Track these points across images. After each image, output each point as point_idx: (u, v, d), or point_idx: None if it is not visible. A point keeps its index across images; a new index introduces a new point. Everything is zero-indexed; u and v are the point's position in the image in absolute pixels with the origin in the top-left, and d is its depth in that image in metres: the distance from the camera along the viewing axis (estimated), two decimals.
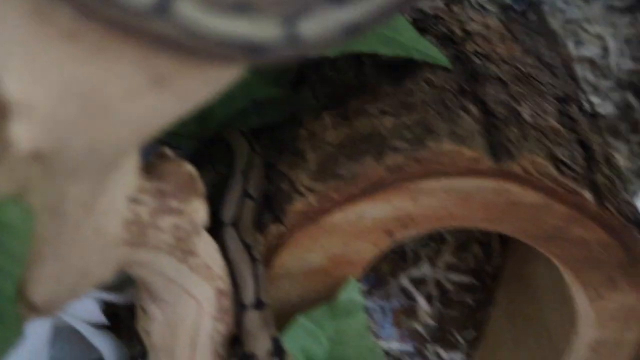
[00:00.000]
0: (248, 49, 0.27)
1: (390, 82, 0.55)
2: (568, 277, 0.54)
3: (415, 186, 0.50)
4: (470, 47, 0.59)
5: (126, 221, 0.41)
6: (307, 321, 0.53)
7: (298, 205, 0.51)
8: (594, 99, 0.83)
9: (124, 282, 0.52)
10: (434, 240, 0.73)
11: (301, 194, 0.51)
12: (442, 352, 0.69)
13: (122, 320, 0.66)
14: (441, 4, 0.61)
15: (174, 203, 0.43)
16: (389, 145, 0.50)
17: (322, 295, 0.55)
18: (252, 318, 0.48)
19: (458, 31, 0.60)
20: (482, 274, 0.72)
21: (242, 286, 0.49)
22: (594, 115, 0.61)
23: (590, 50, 0.87)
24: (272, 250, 0.52)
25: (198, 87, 0.32)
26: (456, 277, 0.72)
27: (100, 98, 0.32)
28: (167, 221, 0.43)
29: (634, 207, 0.55)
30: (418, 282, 0.72)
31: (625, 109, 0.83)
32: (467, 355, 0.69)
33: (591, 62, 0.87)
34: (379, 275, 0.72)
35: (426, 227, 0.52)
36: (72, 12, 0.29)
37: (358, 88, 0.56)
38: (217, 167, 0.57)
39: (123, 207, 0.41)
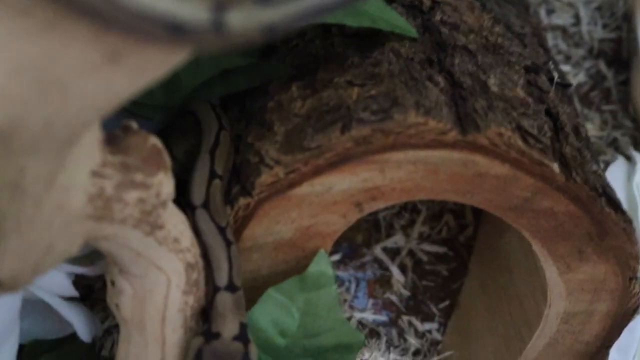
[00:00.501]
0: (170, 27, 0.27)
1: (357, 53, 0.55)
2: (537, 248, 0.54)
3: (382, 158, 0.50)
4: (438, 16, 0.58)
5: (90, 196, 0.41)
6: (277, 294, 0.53)
7: (266, 177, 0.51)
8: (566, 68, 0.83)
9: (95, 254, 0.52)
10: (408, 211, 0.73)
11: (269, 166, 0.51)
12: (417, 323, 0.69)
13: (95, 291, 0.67)
14: None
15: (139, 176, 0.44)
16: (355, 117, 0.50)
17: (292, 267, 0.55)
18: (224, 300, 0.48)
19: (426, 0, 0.59)
20: (455, 244, 0.73)
21: (216, 268, 0.49)
22: (564, 85, 0.61)
23: (562, 18, 0.87)
24: (241, 223, 0.52)
25: (153, 63, 0.32)
26: (430, 247, 0.72)
27: (54, 74, 0.32)
28: (132, 195, 0.43)
29: (602, 178, 0.56)
30: (392, 253, 0.72)
31: (597, 78, 0.83)
32: (441, 325, 0.69)
33: (563, 31, 0.87)
34: (352, 246, 0.72)
35: (394, 199, 0.52)
36: None
37: (326, 58, 0.56)
38: (187, 137, 0.57)
39: (86, 182, 0.41)
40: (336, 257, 0.71)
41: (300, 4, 0.28)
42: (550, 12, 0.87)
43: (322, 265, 0.54)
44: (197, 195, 0.51)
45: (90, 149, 0.40)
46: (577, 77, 0.83)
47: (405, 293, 0.71)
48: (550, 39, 0.84)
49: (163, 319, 0.49)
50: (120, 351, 0.50)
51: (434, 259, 0.72)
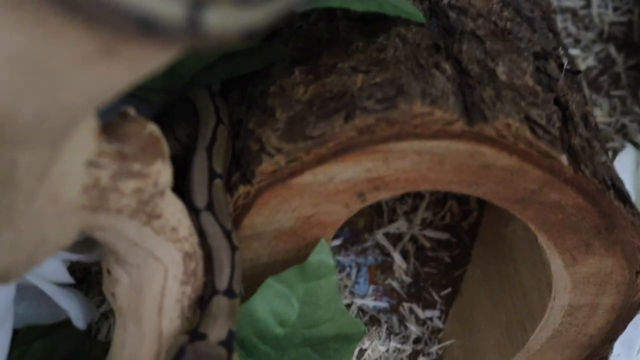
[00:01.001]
0: (143, 23, 0.26)
1: (362, 38, 0.54)
2: (543, 241, 0.53)
3: (386, 148, 0.49)
4: (446, 0, 0.57)
5: (85, 186, 0.40)
6: (277, 283, 0.52)
7: (266, 165, 0.49)
8: (575, 52, 0.81)
9: (91, 240, 0.51)
10: (411, 196, 0.72)
11: (270, 154, 0.50)
12: (418, 310, 0.68)
13: (92, 274, 0.66)
14: None
15: (136, 166, 0.42)
16: (359, 106, 0.49)
17: (292, 256, 0.54)
18: (220, 303, 0.47)
19: None
20: (458, 230, 0.72)
21: (217, 271, 0.48)
22: (573, 72, 0.59)
23: (572, 1, 0.85)
24: (241, 211, 0.51)
25: (148, 56, 0.31)
26: (433, 233, 0.71)
27: (47, 66, 0.31)
28: (129, 185, 0.42)
29: (611, 170, 0.54)
30: (394, 238, 0.71)
31: (607, 62, 0.82)
32: (443, 313, 0.68)
33: (573, 13, 0.85)
34: (354, 231, 0.71)
35: (398, 189, 0.51)
36: None
37: (330, 42, 0.55)
38: (188, 123, 0.56)
39: (81, 172, 0.40)
40: (337, 242, 0.70)
41: (278, 3, 0.27)
42: None
43: (323, 254, 0.53)
44: (200, 197, 0.49)
45: (85, 138, 0.39)
46: (586, 61, 0.81)
47: (407, 279, 0.70)
48: (560, 22, 0.82)
49: (160, 309, 0.48)
50: (116, 340, 0.50)
51: (437, 245, 0.71)
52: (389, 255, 0.70)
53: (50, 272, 0.50)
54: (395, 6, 0.52)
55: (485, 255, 0.68)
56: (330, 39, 0.55)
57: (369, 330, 0.66)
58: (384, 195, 0.52)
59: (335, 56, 0.53)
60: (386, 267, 0.70)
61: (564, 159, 0.49)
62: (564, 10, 0.84)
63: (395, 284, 0.69)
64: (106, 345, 0.58)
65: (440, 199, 0.72)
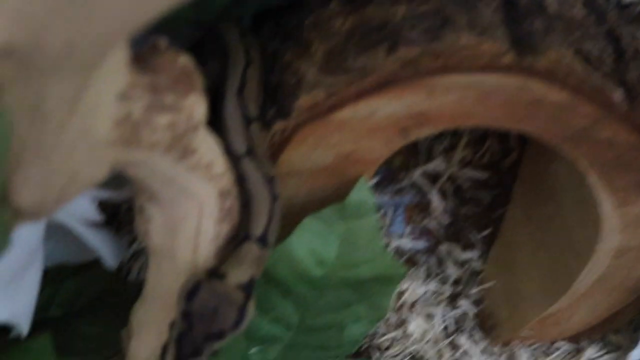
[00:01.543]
0: None
1: None
2: (593, 180, 0.51)
3: (431, 82, 0.46)
4: None
5: (117, 120, 0.38)
6: (316, 222, 0.50)
7: (305, 100, 0.47)
8: None
9: (122, 177, 0.49)
10: (449, 134, 0.70)
11: (308, 88, 0.47)
12: (456, 251, 0.66)
13: (121, 212, 0.64)
14: None
15: (169, 98, 0.40)
16: (403, 37, 0.46)
17: (330, 194, 0.52)
18: (250, 249, 0.45)
19: None
20: (498, 169, 0.69)
21: (254, 218, 0.46)
22: (623, 5, 0.56)
23: None
24: (277, 148, 0.49)
25: None
26: (472, 172, 0.69)
27: None
28: (162, 118, 0.40)
29: None
30: (431, 178, 0.69)
31: None
32: (482, 254, 0.66)
33: None
34: (390, 170, 0.69)
35: (442, 125, 0.49)
36: None
37: None
38: (218, 58, 0.53)
39: (112, 105, 0.38)
40: (373, 181, 0.68)
41: None
42: None
43: (363, 193, 0.51)
44: (238, 143, 0.47)
45: (116, 69, 0.37)
46: None
47: (445, 220, 0.68)
48: None
49: (195, 248, 0.46)
50: (149, 281, 0.48)
51: (476, 185, 0.69)
52: (426, 195, 0.68)
53: (80, 210, 0.49)
54: None
55: (527, 195, 0.66)
56: None
57: (407, 272, 0.64)
58: (427, 131, 0.49)
59: None
60: (423, 207, 0.68)
61: (617, 94, 0.47)
62: None
63: (433, 225, 0.67)
64: (137, 286, 0.57)
65: (479, 137, 0.70)
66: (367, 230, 0.51)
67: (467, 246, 0.67)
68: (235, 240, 0.46)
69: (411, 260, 0.66)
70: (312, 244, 0.51)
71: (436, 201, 0.68)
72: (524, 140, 0.69)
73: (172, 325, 0.43)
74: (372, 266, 0.53)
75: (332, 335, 0.55)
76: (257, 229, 0.45)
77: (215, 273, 0.44)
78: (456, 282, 0.66)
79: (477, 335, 0.64)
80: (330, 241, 0.51)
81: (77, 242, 0.52)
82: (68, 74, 0.33)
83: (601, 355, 0.63)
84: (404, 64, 0.46)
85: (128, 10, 0.30)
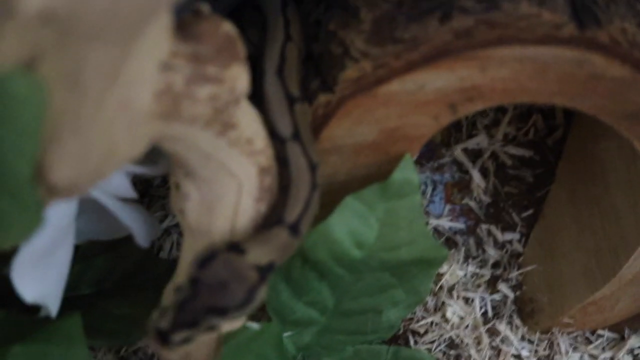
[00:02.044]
0: None
1: None
2: None
3: (485, 54, 0.44)
4: None
5: (157, 91, 0.36)
6: (356, 202, 0.48)
7: (350, 71, 0.45)
8: None
9: (156, 151, 0.47)
10: (492, 109, 0.67)
11: (354, 59, 0.45)
12: (497, 232, 0.64)
13: (153, 187, 0.62)
14: None
15: (211, 69, 0.38)
16: (457, 5, 0.44)
17: (373, 172, 0.50)
18: (279, 234, 0.43)
19: None
20: (543, 147, 0.67)
21: (290, 203, 0.43)
22: None
23: None
24: (320, 122, 0.47)
25: None
26: (515, 150, 0.66)
27: None
28: (203, 90, 0.38)
29: None
30: (473, 154, 0.66)
31: None
32: (524, 236, 0.64)
33: None
34: (430, 145, 0.66)
35: (494, 101, 0.46)
36: None
37: None
38: (257, 29, 0.51)
39: (153, 76, 0.35)
40: None
41: None
42: None
43: (408, 171, 0.48)
44: (283, 125, 0.44)
45: (158, 38, 0.35)
46: None
47: (486, 199, 0.65)
48: None
49: (232, 228, 0.44)
50: (183, 260, 0.46)
51: (519, 163, 0.66)
52: (467, 172, 0.65)
53: (114, 186, 0.47)
54: None
55: (572, 175, 0.63)
56: None
57: None
58: (477, 107, 0.47)
59: None
60: (464, 186, 0.65)
61: None
62: None
63: (473, 204, 0.65)
64: (168, 263, 0.55)
65: (524, 113, 0.67)
66: (409, 210, 0.49)
67: (507, 227, 0.64)
68: (267, 222, 0.44)
69: (449, 241, 0.64)
70: (352, 225, 0.49)
71: (477, 179, 0.65)
72: (569, 117, 0.66)
73: (177, 289, 0.40)
74: (413, 248, 0.50)
75: (369, 319, 0.53)
76: (291, 215, 0.43)
77: (235, 247, 0.41)
78: (495, 265, 0.63)
79: (516, 321, 0.61)
80: (371, 222, 0.49)
81: (108, 218, 0.49)
82: (108, 42, 0.31)
83: None
84: (458, 34, 0.43)
85: None
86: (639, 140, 0.48)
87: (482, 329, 0.60)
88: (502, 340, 0.61)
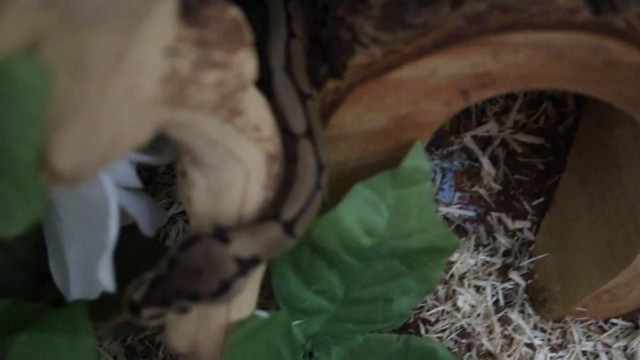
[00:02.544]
0: None
1: None
2: None
3: (497, 40, 0.43)
4: None
5: (163, 77, 0.36)
6: (366, 189, 0.47)
7: (360, 57, 0.44)
8: None
9: (161, 139, 0.46)
10: (503, 96, 0.66)
11: (364, 45, 0.44)
12: (507, 220, 0.63)
13: (159, 175, 0.61)
14: None
15: (218, 54, 0.37)
16: None
17: (382, 160, 0.49)
18: (270, 229, 0.42)
19: None
20: (553, 135, 0.66)
21: (290, 201, 0.42)
22: None
23: None
24: (329, 108, 0.46)
25: None
26: (525, 137, 0.65)
27: None
28: (210, 76, 0.37)
29: None
30: (483, 142, 0.65)
31: None
32: (534, 224, 0.63)
33: None
34: (439, 132, 0.65)
35: (507, 87, 0.45)
36: None
37: None
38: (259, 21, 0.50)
39: (158, 61, 0.35)
40: None
41: None
42: None
43: (418, 159, 0.47)
44: (296, 122, 0.43)
45: (164, 20, 0.34)
46: None
47: (496, 187, 0.64)
48: None
49: (240, 216, 0.43)
50: None
51: (529, 150, 0.65)
52: (476, 160, 0.65)
53: (119, 175, 0.46)
54: None
55: (583, 163, 0.62)
56: None
57: None
58: (489, 93, 0.46)
59: None
60: (473, 173, 0.65)
61: None
62: None
63: (483, 192, 0.64)
64: None
65: (534, 100, 0.66)
66: (420, 198, 0.48)
67: (518, 215, 0.64)
68: (262, 215, 0.43)
69: (459, 229, 0.63)
70: (361, 213, 0.48)
71: (487, 167, 0.64)
72: (580, 104, 0.65)
73: (157, 264, 0.40)
74: (424, 236, 0.50)
75: (379, 308, 0.53)
76: (289, 213, 0.42)
77: (221, 234, 0.40)
78: (506, 254, 0.62)
79: (528, 310, 0.61)
80: (381, 210, 0.48)
81: None
82: (113, 26, 0.30)
83: None
84: (470, 19, 0.42)
85: None
86: None
87: (494, 318, 0.60)
88: (515, 329, 0.60)
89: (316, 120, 0.44)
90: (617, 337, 0.61)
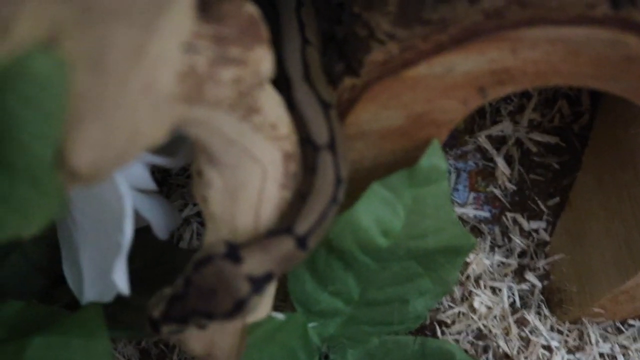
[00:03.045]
0: None
1: None
2: None
3: (515, 35, 0.42)
4: None
5: (180, 73, 0.35)
6: (382, 189, 0.47)
7: (376, 54, 0.44)
8: None
9: (176, 141, 0.45)
10: (517, 95, 0.65)
11: (380, 42, 0.44)
12: (522, 220, 0.62)
13: (172, 175, 0.61)
14: None
15: (235, 51, 0.37)
16: None
17: (399, 158, 0.48)
18: (282, 244, 0.41)
19: None
20: (569, 134, 0.65)
21: (304, 214, 0.42)
22: None
23: None
24: (345, 106, 0.45)
25: None
26: (540, 136, 0.65)
27: None
28: (227, 72, 0.37)
29: None
30: (497, 141, 0.65)
31: None
32: (550, 224, 0.63)
33: None
34: (453, 132, 0.65)
35: (525, 84, 0.45)
36: None
37: None
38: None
39: (176, 58, 0.34)
40: None
41: None
42: None
43: (435, 157, 0.47)
44: (319, 132, 0.43)
45: (182, 16, 0.34)
46: None
47: (511, 187, 0.64)
48: None
49: (257, 216, 0.43)
50: None
51: (544, 150, 0.65)
52: (491, 160, 0.64)
53: (133, 177, 0.45)
54: None
55: (599, 162, 0.62)
56: None
57: None
58: (508, 90, 0.45)
59: None
60: (488, 173, 0.64)
61: None
62: None
63: (497, 192, 0.64)
64: (189, 253, 0.54)
65: (549, 99, 0.65)
66: (437, 197, 0.48)
67: (533, 215, 0.63)
68: (276, 228, 0.42)
69: (474, 230, 0.62)
70: (378, 213, 0.47)
71: (502, 167, 0.64)
72: (596, 103, 0.64)
73: (177, 281, 0.40)
74: (440, 236, 0.49)
75: (395, 309, 0.52)
76: (302, 226, 0.42)
77: (233, 253, 0.40)
78: (522, 254, 0.62)
79: (545, 311, 0.60)
80: (398, 210, 0.48)
81: None
82: (132, 21, 0.30)
83: None
84: (488, 14, 0.42)
85: None
86: None
87: (511, 319, 0.59)
88: (531, 331, 0.59)
89: (339, 131, 0.43)
90: (634, 338, 0.60)
